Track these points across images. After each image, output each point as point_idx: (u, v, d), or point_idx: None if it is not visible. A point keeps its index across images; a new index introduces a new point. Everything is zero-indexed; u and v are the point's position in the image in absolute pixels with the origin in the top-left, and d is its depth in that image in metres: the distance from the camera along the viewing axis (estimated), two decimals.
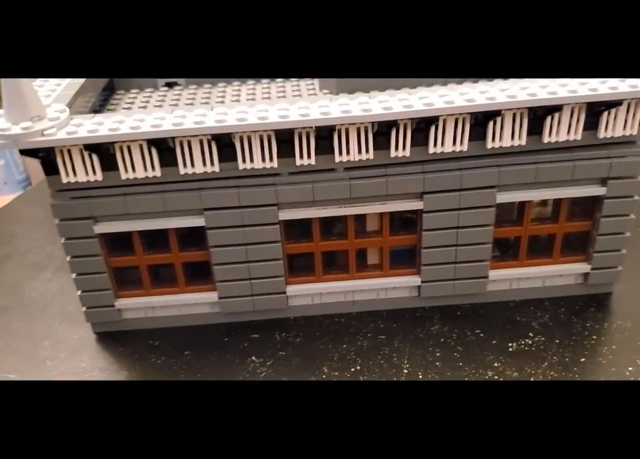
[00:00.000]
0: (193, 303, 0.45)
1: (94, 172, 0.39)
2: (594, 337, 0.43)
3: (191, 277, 0.45)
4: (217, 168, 0.39)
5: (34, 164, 1.17)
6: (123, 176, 0.39)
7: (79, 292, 0.44)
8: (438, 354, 0.42)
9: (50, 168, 0.39)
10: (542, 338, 0.43)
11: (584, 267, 0.45)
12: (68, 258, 0.43)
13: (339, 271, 0.46)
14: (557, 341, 0.43)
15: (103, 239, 0.42)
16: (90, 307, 0.45)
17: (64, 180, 0.39)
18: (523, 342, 0.43)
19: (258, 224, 0.42)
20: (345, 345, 0.44)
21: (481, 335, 0.44)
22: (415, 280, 0.46)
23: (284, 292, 0.45)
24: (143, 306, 0.45)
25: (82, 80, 0.43)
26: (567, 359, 0.41)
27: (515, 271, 0.46)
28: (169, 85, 0.50)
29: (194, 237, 0.43)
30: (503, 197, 0.42)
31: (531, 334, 0.43)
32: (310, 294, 0.46)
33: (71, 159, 0.38)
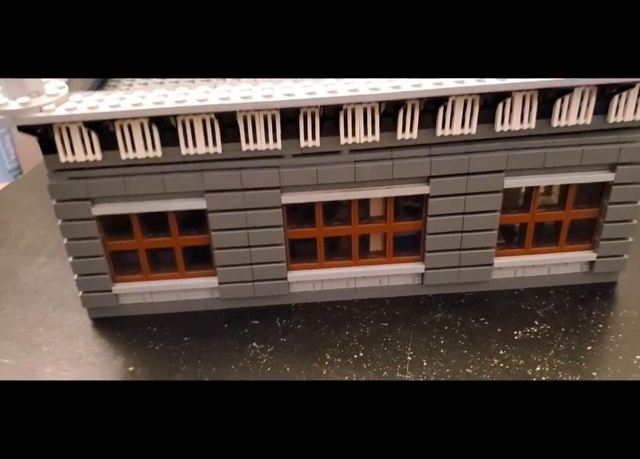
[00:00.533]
0: (192, 289, 0.44)
1: (93, 151, 0.38)
2: (600, 326, 0.42)
3: (191, 262, 0.44)
4: (219, 149, 0.38)
5: (26, 153, 1.15)
6: (123, 155, 0.38)
7: (75, 276, 0.43)
8: (442, 342, 0.41)
9: (48, 146, 0.38)
10: (548, 327, 0.42)
11: (590, 255, 0.45)
12: (65, 241, 0.42)
13: (341, 258, 0.45)
14: (563, 329, 0.42)
15: (101, 221, 0.41)
16: (87, 292, 0.44)
17: (62, 159, 0.38)
18: (529, 330, 0.42)
19: (260, 208, 0.41)
20: (347, 332, 0.43)
21: (486, 323, 0.43)
22: (419, 267, 0.45)
23: (286, 278, 0.44)
24: (141, 292, 0.44)
25: None
26: (573, 348, 0.40)
27: (520, 259, 0.45)
28: None
29: (194, 220, 0.42)
30: (511, 182, 0.41)
31: (536, 322, 0.43)
32: (312, 280, 0.45)
33: (69, 137, 0.37)
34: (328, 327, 0.43)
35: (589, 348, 0.40)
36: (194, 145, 0.38)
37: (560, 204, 0.44)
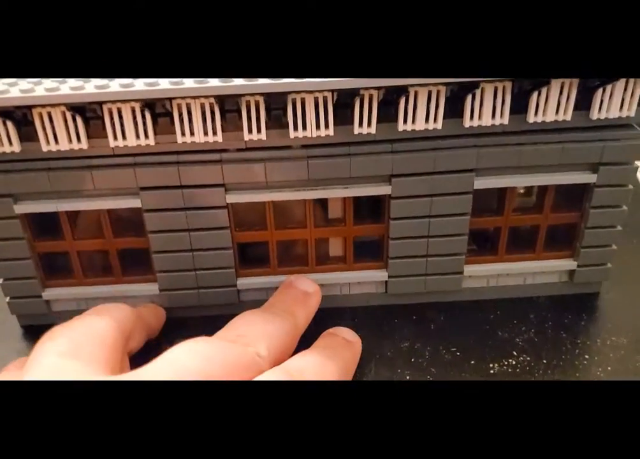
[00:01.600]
0: (131, 295, 0.40)
1: (10, 142, 0.34)
2: (586, 356, 0.38)
3: (130, 267, 0.40)
4: (151, 141, 0.34)
5: None
6: (45, 147, 0.34)
7: (1, 281, 0.39)
8: (407, 377, 0.37)
9: None
10: (528, 358, 0.38)
11: (569, 263, 0.41)
12: None
13: (297, 264, 0.41)
14: (544, 361, 0.37)
15: (26, 220, 0.37)
16: (14, 297, 0.40)
17: None
18: (506, 363, 0.37)
19: (202, 208, 0.37)
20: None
21: (458, 353, 0.38)
22: (382, 274, 0.41)
23: (235, 286, 0.40)
24: (74, 298, 0.40)
25: None
26: None
27: (494, 267, 0.41)
28: None
29: (131, 221, 0.38)
30: (482, 183, 0.37)
31: (515, 353, 0.38)
32: (265, 288, 0.41)
33: None
34: None
35: None
36: (123, 136, 0.34)
37: (537, 207, 0.40)
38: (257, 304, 0.40)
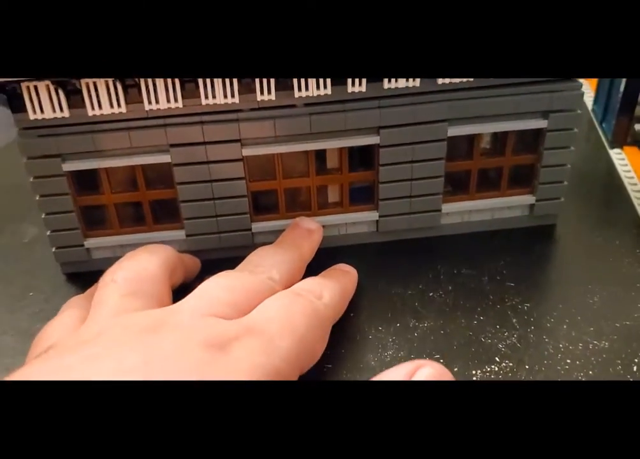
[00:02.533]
0: (161, 241, 0.47)
1: (61, 109, 0.40)
2: (567, 361, 0.39)
3: (159, 216, 0.47)
4: (180, 104, 0.41)
5: None
6: (90, 112, 0.41)
7: (48, 232, 0.45)
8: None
9: (18, 105, 0.40)
10: (510, 364, 0.38)
11: (529, 199, 0.49)
12: (37, 197, 0.44)
13: (301, 209, 0.48)
14: (527, 366, 0.37)
15: (71, 177, 0.44)
16: (59, 247, 0.46)
17: (31, 116, 0.40)
18: (489, 369, 0.37)
19: (222, 160, 0.44)
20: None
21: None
22: (373, 215, 0.48)
23: (250, 229, 0.47)
24: (112, 245, 0.47)
25: None
26: None
27: (466, 204, 0.49)
28: None
29: (161, 176, 0.45)
30: (454, 131, 0.45)
31: (497, 358, 0.38)
32: (275, 231, 0.48)
33: (37, 95, 0.39)
34: None
35: None
36: (157, 101, 0.41)
37: (500, 151, 0.47)
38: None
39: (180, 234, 0.47)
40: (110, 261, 0.47)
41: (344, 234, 0.49)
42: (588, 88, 0.74)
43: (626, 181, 0.56)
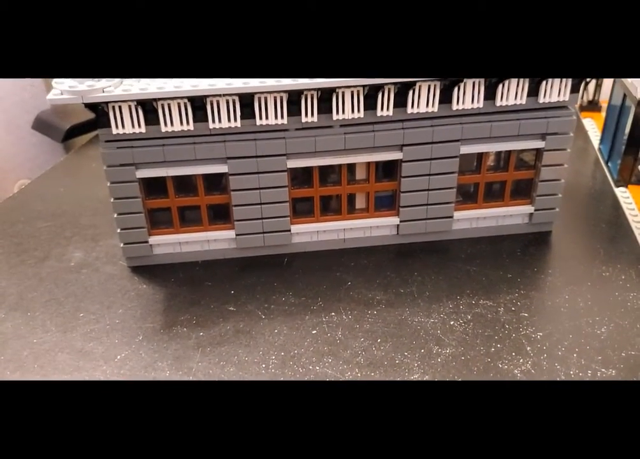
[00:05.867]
0: (214, 239, 0.55)
1: (139, 125, 0.48)
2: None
3: (213, 218, 0.55)
4: (239, 124, 0.49)
5: None
6: (163, 129, 0.49)
7: (118, 230, 0.53)
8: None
9: (103, 121, 0.48)
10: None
11: (529, 208, 0.57)
12: (112, 200, 0.52)
13: (333, 214, 0.56)
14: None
15: (142, 183, 0.52)
16: (127, 243, 0.54)
17: (114, 131, 0.48)
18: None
19: (270, 171, 0.52)
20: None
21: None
22: (395, 220, 0.56)
23: (289, 230, 0.55)
24: (172, 243, 0.55)
25: None
26: None
27: (474, 212, 0.56)
28: None
29: (214, 183, 0.53)
30: (465, 149, 0.53)
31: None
32: (310, 232, 0.56)
33: (121, 113, 0.47)
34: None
35: None
36: (219, 120, 0.49)
37: (504, 167, 0.55)
38: (304, 245, 0.55)
39: (230, 234, 0.55)
40: (169, 257, 0.55)
41: (369, 236, 0.57)
42: (595, 127, 0.73)
43: (630, 218, 0.59)
